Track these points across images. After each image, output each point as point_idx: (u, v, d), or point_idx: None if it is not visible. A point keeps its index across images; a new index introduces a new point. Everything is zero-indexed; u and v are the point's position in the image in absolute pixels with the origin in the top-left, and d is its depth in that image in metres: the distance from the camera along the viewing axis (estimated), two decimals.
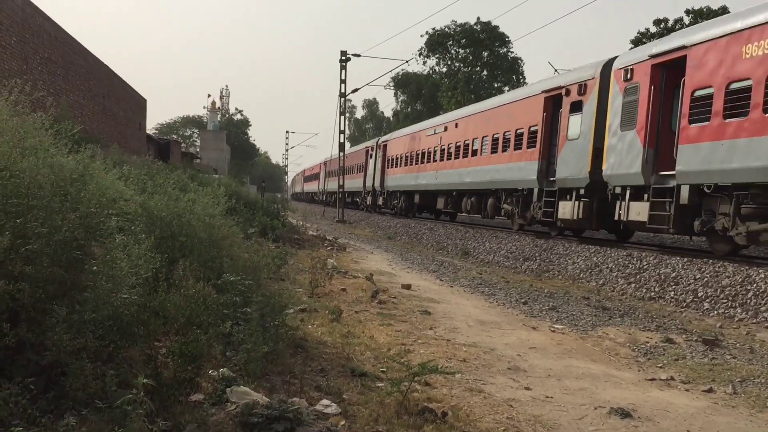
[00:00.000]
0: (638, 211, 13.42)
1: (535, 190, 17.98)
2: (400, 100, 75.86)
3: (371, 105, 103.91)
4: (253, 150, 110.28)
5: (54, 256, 3.63)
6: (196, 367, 4.02)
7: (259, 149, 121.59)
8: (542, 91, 18.06)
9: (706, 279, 11.01)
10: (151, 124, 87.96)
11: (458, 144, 24.39)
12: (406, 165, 30.91)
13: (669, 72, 13.17)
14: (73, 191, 3.86)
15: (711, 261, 11.72)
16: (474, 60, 58.98)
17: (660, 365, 6.88)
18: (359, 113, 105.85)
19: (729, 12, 35.57)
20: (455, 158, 24.54)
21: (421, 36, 59.90)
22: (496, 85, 57.84)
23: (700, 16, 41.64)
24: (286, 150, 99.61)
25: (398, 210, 32.78)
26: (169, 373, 3.93)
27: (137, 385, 3.27)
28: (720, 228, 11.61)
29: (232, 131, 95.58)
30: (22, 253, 3.49)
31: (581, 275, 13.84)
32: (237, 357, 4.63)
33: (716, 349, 7.62)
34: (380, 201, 35.77)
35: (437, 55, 60.15)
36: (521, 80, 57.54)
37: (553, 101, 17.61)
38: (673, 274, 11.74)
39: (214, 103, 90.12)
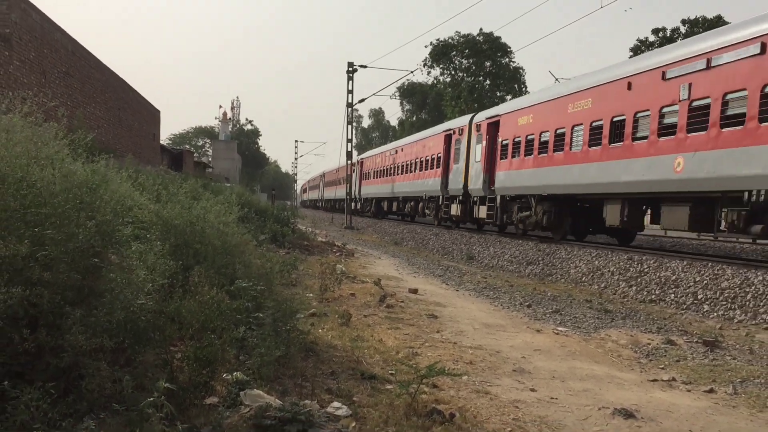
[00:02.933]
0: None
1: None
2: (405, 109, 75.97)
3: (377, 114, 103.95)
4: (263, 159, 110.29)
5: (71, 263, 3.63)
6: (211, 371, 4.01)
7: (269, 158, 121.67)
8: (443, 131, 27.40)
9: (705, 282, 10.94)
10: (165, 135, 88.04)
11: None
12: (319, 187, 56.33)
13: (493, 127, 21.75)
14: (88, 200, 3.86)
15: (710, 264, 11.66)
16: (477, 70, 58.92)
17: (662, 366, 6.82)
18: (366, 122, 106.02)
19: (727, 22, 35.53)
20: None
21: (426, 47, 59.82)
22: (498, 94, 57.68)
23: (695, 25, 41.58)
24: (296, 159, 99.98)
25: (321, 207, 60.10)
26: (185, 376, 3.92)
27: (159, 388, 3.27)
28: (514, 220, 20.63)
29: (243, 141, 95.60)
30: (39, 259, 3.49)
31: (583, 279, 13.79)
32: (250, 361, 4.60)
33: (716, 350, 7.56)
34: (320, 204, 65.27)
35: (441, 66, 60.14)
36: (523, 89, 57.37)
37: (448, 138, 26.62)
38: (673, 277, 11.67)
39: (225, 113, 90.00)
